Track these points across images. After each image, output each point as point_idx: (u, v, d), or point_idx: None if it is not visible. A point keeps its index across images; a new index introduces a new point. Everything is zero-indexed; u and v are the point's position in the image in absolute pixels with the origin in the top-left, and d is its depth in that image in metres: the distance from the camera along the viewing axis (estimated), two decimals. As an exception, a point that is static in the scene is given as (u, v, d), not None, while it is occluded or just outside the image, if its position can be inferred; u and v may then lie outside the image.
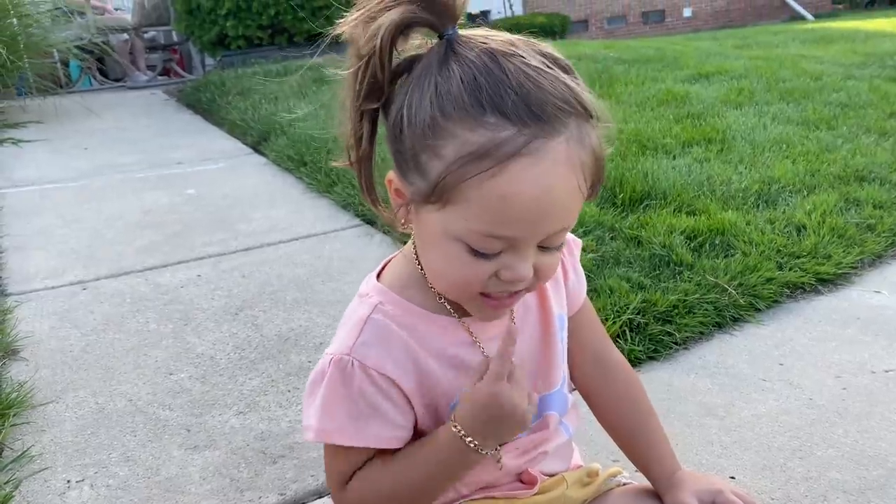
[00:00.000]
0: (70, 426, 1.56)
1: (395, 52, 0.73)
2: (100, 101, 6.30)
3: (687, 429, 1.44)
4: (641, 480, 1.02)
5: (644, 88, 4.37)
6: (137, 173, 3.75)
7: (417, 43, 0.75)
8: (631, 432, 1.01)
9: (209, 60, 7.83)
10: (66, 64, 7.28)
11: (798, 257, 2.11)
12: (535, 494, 0.93)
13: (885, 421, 1.42)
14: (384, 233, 2.64)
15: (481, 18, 0.77)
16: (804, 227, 2.27)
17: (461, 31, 0.73)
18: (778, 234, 2.22)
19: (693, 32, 12.39)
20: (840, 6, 16.75)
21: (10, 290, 2.29)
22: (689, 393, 1.57)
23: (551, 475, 0.97)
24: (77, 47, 6.11)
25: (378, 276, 0.89)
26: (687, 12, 15.39)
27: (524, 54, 0.70)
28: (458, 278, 0.76)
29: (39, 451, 1.48)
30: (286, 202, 3.14)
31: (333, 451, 0.85)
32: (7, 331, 1.97)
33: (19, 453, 1.46)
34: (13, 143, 4.54)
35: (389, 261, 0.90)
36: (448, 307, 0.84)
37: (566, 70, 0.72)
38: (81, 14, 7.16)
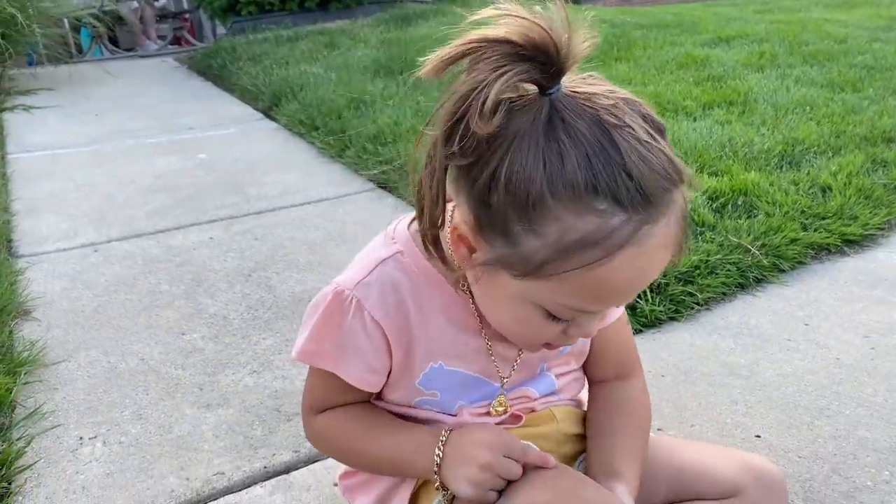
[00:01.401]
0: (82, 384, 1.55)
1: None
2: (110, 68, 6.26)
3: (710, 388, 1.41)
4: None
5: (663, 52, 4.28)
6: (149, 139, 3.72)
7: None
8: (607, 433, 0.92)
9: (220, 29, 7.75)
10: (77, 31, 7.23)
11: (823, 218, 2.05)
12: (523, 426, 0.91)
13: (916, 381, 1.38)
14: (397, 196, 2.60)
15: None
16: (829, 188, 2.21)
17: (562, 86, 0.66)
18: (802, 195, 2.16)
19: (711, -1, 12.13)
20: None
21: (21, 252, 2.27)
22: (712, 353, 1.53)
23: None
24: (88, 15, 6.05)
25: (413, 220, 0.86)
26: (705, -21, 15.07)
27: (632, 124, 0.65)
28: (528, 335, 0.77)
29: (52, 408, 1.46)
30: (298, 166, 3.10)
31: (314, 376, 0.90)
32: (19, 291, 1.96)
33: (31, 410, 1.44)
34: (24, 109, 4.51)
35: None
36: (463, 286, 0.82)
37: (663, 134, 0.68)
38: (92, -19, 7.08)
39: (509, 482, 0.80)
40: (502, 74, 0.63)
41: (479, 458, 0.79)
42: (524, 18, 0.63)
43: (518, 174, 0.64)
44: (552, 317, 0.72)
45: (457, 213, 0.71)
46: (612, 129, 0.64)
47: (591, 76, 0.68)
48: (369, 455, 0.89)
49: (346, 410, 0.91)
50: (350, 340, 0.83)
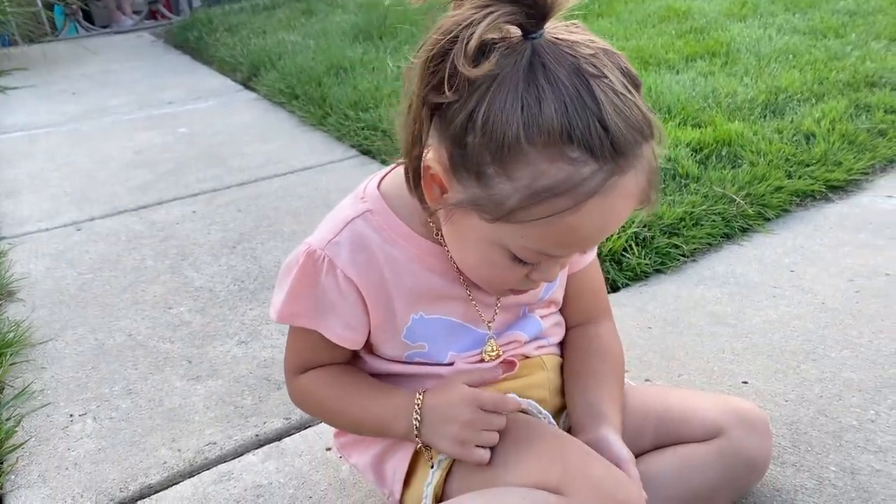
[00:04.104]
0: (70, 362, 1.54)
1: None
2: (86, 46, 6.14)
3: (697, 338, 1.41)
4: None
5: (644, 6, 4.23)
6: (127, 115, 3.66)
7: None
8: (585, 375, 0.93)
9: (196, 2, 7.60)
10: (50, 8, 7.07)
11: (808, 165, 2.04)
12: (517, 376, 0.91)
13: (901, 321, 1.39)
14: (381, 162, 2.58)
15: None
16: (813, 134, 2.20)
17: (545, 31, 0.66)
18: (786, 143, 2.15)
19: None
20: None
21: (3, 234, 2.25)
22: (698, 303, 1.54)
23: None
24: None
25: (382, 179, 0.87)
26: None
27: (610, 76, 0.65)
28: (493, 277, 0.78)
29: (41, 387, 1.46)
30: (279, 136, 3.06)
31: (295, 336, 0.90)
32: (2, 273, 1.94)
33: (20, 390, 1.44)
34: (-1, 90, 4.43)
35: (397, 166, 0.86)
36: (437, 235, 0.82)
37: (638, 88, 0.68)
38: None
39: (498, 448, 0.81)
40: (489, 14, 0.63)
41: (460, 415, 0.80)
42: None
43: (496, 116, 0.64)
44: (517, 260, 0.73)
45: (431, 153, 0.71)
46: (591, 79, 0.64)
47: (573, 24, 0.69)
48: (349, 417, 0.90)
49: (328, 371, 0.91)
50: (326, 298, 0.83)
